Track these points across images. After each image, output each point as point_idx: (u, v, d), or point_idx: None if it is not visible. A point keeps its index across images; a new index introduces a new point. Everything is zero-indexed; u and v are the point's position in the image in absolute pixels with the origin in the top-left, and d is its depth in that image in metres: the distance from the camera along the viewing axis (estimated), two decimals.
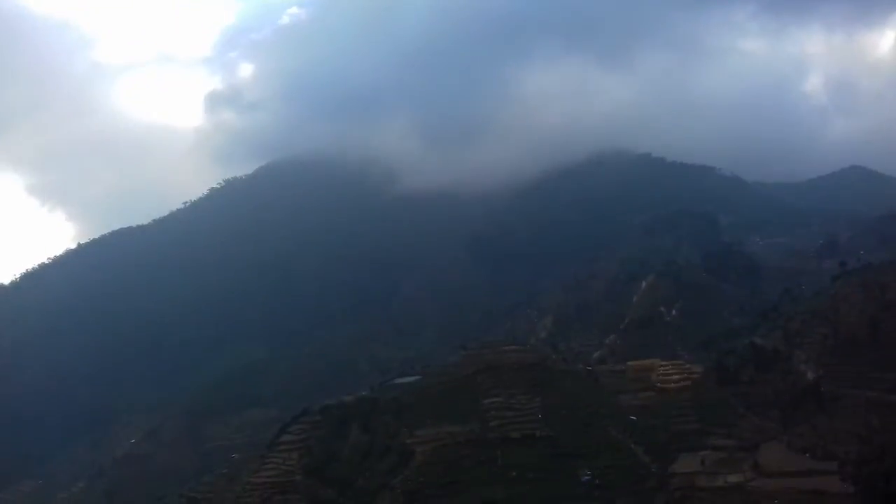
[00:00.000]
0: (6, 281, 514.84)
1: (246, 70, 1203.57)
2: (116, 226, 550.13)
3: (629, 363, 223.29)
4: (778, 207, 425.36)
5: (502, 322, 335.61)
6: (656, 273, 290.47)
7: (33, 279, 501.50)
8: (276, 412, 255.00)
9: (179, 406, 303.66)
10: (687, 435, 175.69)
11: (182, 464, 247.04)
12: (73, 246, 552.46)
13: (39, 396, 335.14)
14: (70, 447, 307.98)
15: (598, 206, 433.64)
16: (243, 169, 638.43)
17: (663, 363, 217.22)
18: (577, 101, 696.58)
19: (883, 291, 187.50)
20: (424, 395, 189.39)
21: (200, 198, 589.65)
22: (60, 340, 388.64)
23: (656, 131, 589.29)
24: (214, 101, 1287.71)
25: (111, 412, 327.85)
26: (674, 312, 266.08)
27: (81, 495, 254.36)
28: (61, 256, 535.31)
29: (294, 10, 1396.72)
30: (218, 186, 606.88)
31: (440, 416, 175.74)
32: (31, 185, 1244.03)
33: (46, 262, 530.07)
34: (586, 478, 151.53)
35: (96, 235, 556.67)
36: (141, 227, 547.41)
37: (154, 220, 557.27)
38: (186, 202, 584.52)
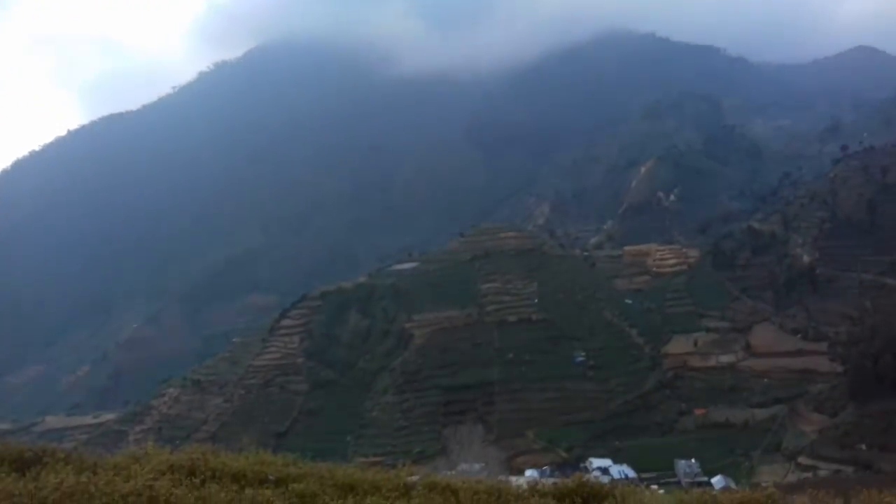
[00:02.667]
0: None
1: None
2: (106, 112, 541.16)
3: (626, 248, 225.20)
4: (782, 89, 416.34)
5: (500, 208, 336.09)
6: (656, 157, 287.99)
7: (24, 167, 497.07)
8: (275, 298, 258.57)
9: (178, 292, 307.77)
10: (681, 317, 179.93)
11: (184, 348, 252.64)
12: (62, 133, 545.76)
13: (39, 283, 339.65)
14: (72, 333, 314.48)
15: (599, 88, 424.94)
16: (237, 50, 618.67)
17: (660, 248, 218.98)
18: None
19: (883, 174, 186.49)
20: (422, 281, 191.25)
21: (190, 82, 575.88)
22: (56, 228, 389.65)
23: (661, 10, 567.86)
24: None
25: (110, 298, 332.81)
26: (672, 197, 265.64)
27: (87, 379, 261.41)
28: (52, 143, 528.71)
29: None
30: (207, 70, 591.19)
31: (438, 301, 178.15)
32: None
33: (37, 149, 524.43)
34: (580, 359, 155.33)
35: (86, 122, 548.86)
36: (132, 113, 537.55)
37: (144, 106, 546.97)
38: (175, 87, 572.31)
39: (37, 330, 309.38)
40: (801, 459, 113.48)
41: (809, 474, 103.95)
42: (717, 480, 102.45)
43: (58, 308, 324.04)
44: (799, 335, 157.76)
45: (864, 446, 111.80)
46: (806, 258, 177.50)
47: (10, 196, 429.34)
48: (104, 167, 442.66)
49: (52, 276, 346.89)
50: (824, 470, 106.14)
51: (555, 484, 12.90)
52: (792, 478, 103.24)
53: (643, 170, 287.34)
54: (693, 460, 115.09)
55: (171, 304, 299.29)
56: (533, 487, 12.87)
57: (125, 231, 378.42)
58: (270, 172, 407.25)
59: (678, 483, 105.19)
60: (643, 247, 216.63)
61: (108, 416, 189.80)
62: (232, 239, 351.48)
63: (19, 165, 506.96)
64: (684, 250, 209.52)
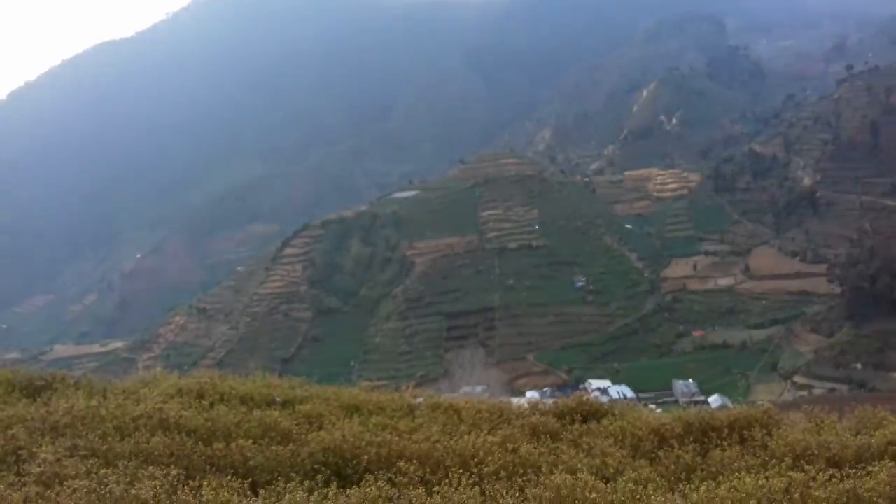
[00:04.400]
0: None
1: None
2: (99, 40, 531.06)
3: (626, 173, 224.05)
4: (787, 8, 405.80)
5: (500, 133, 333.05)
6: (658, 80, 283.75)
7: (21, 98, 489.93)
8: (276, 227, 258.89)
9: (181, 222, 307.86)
10: (680, 241, 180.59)
11: (187, 277, 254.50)
12: (56, 63, 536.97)
13: (41, 215, 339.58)
14: (76, 263, 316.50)
15: (600, 10, 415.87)
16: None
17: (660, 172, 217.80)
18: None
19: (888, 95, 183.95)
20: (423, 209, 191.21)
21: (182, 9, 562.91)
22: (56, 159, 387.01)
23: None
24: None
25: (113, 228, 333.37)
26: (674, 121, 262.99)
27: (93, 308, 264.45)
28: (47, 73, 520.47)
29: None
30: None
31: (439, 229, 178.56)
32: None
33: (32, 79, 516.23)
34: (580, 284, 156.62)
35: (80, 50, 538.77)
36: (126, 41, 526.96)
37: (137, 33, 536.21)
38: (169, 13, 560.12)
39: (41, 261, 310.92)
40: (797, 378, 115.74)
41: (805, 393, 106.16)
42: (714, 399, 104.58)
43: (61, 239, 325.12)
44: (798, 258, 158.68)
45: (859, 365, 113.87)
46: (807, 181, 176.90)
47: (8, 128, 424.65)
48: (100, 96, 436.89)
49: (54, 207, 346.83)
50: (819, 389, 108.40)
51: (555, 403, 13.20)
52: (787, 396, 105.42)
53: (645, 93, 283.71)
54: (690, 380, 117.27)
55: (173, 233, 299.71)
56: (534, 407, 13.19)
57: (125, 161, 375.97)
58: (269, 101, 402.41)
59: (675, 402, 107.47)
60: (644, 171, 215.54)
61: (117, 345, 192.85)
62: (232, 168, 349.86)
63: (15, 97, 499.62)
64: (685, 174, 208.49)
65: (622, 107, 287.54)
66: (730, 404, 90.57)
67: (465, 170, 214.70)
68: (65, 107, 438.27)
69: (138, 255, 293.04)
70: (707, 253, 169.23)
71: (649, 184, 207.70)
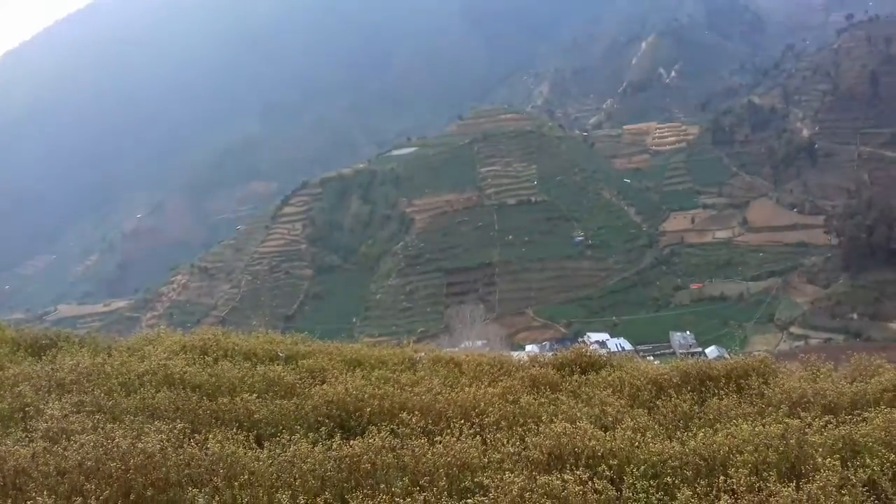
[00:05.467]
0: None
1: None
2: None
3: (625, 127, 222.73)
4: None
5: (498, 88, 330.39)
6: (657, 33, 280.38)
7: (16, 57, 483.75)
8: (276, 185, 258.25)
9: (180, 181, 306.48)
10: (679, 195, 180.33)
11: (188, 236, 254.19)
12: (50, 24, 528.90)
13: (42, 175, 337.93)
14: (78, 223, 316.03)
15: None
16: None
17: (659, 126, 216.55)
18: None
19: (887, 44, 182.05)
20: (422, 165, 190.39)
21: None
22: (55, 119, 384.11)
23: None
24: None
25: (114, 188, 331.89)
26: (673, 73, 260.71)
27: (95, 268, 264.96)
28: (41, 33, 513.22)
29: None
30: None
31: (438, 186, 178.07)
32: None
33: (26, 39, 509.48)
34: (579, 239, 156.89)
35: (73, 10, 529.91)
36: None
37: None
38: None
39: (42, 222, 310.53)
40: (793, 329, 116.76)
41: (801, 343, 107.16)
42: (711, 350, 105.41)
43: (61, 199, 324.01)
44: (796, 209, 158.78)
45: (855, 315, 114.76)
46: (805, 132, 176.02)
47: (5, 89, 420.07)
48: (97, 56, 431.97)
49: (54, 167, 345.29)
50: (815, 339, 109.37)
51: (554, 355, 13.31)
52: (784, 347, 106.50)
53: (644, 46, 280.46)
54: (688, 332, 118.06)
55: (173, 193, 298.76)
56: (533, 359, 13.32)
57: (124, 121, 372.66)
58: (267, 58, 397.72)
59: (673, 354, 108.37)
60: (643, 125, 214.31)
61: (120, 304, 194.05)
62: (231, 127, 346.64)
63: (11, 56, 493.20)
64: (683, 127, 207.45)
65: (621, 60, 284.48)
66: (727, 355, 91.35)
67: (464, 126, 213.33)
68: (61, 67, 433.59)
69: (139, 215, 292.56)
70: (705, 206, 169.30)
71: (648, 137, 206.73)
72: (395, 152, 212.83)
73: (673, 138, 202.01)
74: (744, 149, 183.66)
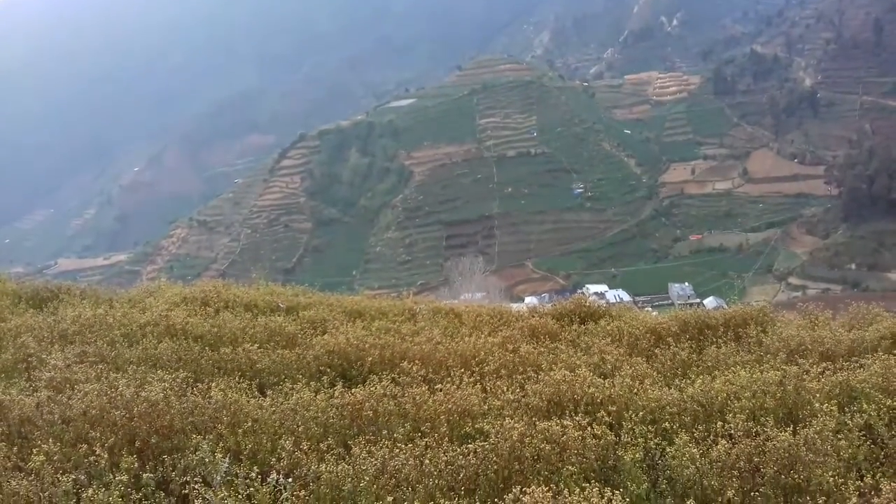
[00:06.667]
0: None
1: None
2: None
3: (626, 77, 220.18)
4: None
5: (498, 37, 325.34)
6: None
7: (7, 8, 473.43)
8: (273, 138, 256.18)
9: (178, 134, 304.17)
10: (679, 146, 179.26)
11: (186, 189, 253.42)
12: None
13: (39, 128, 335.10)
14: (76, 176, 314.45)
15: None
16: None
17: (660, 75, 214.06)
18: None
19: None
20: (420, 117, 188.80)
21: None
22: (50, 70, 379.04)
23: None
24: None
25: (110, 141, 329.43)
26: (675, 22, 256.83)
27: (94, 221, 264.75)
28: None
29: None
30: None
31: (437, 137, 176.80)
32: None
33: None
34: (578, 190, 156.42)
35: None
36: None
37: None
38: None
39: (40, 175, 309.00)
40: (792, 279, 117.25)
41: (799, 293, 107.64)
42: (710, 301, 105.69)
43: (59, 153, 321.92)
44: (796, 160, 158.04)
45: (853, 266, 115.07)
46: (808, 81, 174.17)
47: (1, 41, 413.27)
48: (92, 5, 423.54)
49: (51, 119, 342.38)
50: (814, 289, 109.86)
51: (553, 306, 13.37)
52: (782, 297, 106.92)
53: None
54: (686, 283, 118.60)
55: (171, 145, 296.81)
56: (533, 310, 13.38)
57: (120, 72, 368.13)
58: (261, 8, 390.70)
59: (671, 305, 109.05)
60: (643, 75, 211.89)
61: (120, 257, 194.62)
62: (227, 79, 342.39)
63: (6, 6, 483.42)
64: (685, 77, 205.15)
65: (622, 8, 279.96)
66: (725, 306, 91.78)
67: (462, 76, 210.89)
68: (56, 17, 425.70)
69: (136, 168, 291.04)
70: (706, 157, 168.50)
71: (649, 87, 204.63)
72: (394, 104, 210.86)
73: (674, 88, 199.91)
74: (745, 99, 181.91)
